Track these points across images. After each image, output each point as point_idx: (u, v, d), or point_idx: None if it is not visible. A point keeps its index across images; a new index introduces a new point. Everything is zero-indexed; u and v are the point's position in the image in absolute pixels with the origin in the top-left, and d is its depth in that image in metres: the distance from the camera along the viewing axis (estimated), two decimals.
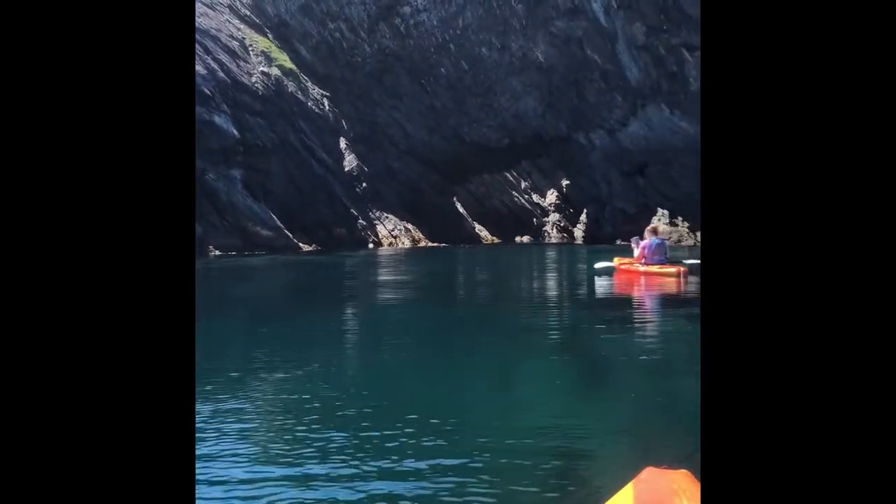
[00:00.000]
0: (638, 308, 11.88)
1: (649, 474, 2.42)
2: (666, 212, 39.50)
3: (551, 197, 51.08)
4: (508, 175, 57.44)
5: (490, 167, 52.62)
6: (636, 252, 16.27)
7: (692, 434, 3.78)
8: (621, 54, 41.29)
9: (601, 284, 15.01)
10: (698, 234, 37.09)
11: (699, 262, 21.08)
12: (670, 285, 13.90)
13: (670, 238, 36.99)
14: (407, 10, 45.77)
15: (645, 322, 9.76)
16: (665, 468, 2.52)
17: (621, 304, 12.10)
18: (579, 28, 42.24)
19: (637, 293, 13.69)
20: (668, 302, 11.80)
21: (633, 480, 2.38)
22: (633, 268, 16.17)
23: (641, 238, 16.39)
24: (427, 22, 46.54)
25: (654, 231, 16.45)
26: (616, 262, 17.12)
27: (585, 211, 46.08)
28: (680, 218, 38.83)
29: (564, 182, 48.06)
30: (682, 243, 36.20)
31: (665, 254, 16.07)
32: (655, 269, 15.46)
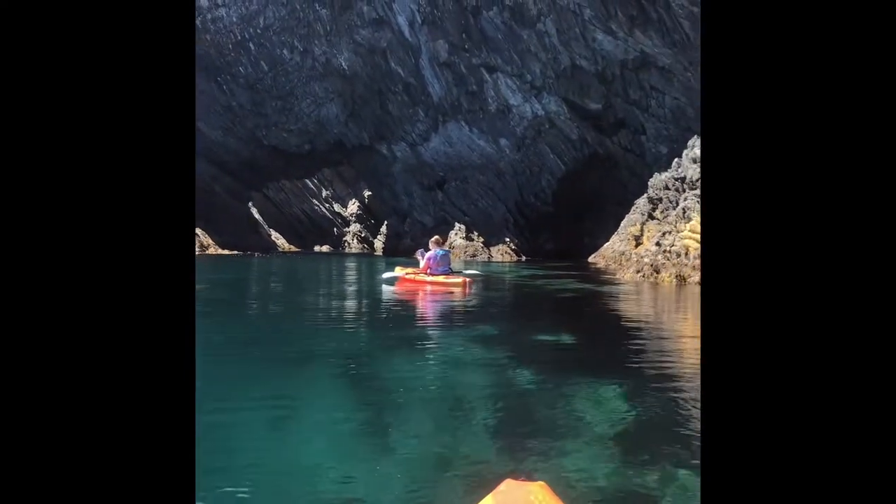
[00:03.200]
0: (447, 318, 11.58)
1: (508, 486, 2.51)
2: (463, 226, 40.49)
3: (353, 207, 50.48)
4: (309, 182, 56.06)
5: (290, 173, 50.94)
6: (422, 263, 16.85)
7: (549, 447, 4.00)
8: (424, 69, 41.88)
9: (388, 293, 15.18)
10: (493, 248, 38.40)
11: (481, 273, 22.03)
12: (457, 295, 14.57)
13: (466, 252, 37.88)
14: (205, 3, 43.05)
15: (454, 332, 9.41)
16: (523, 480, 2.61)
17: (420, 314, 11.75)
18: (384, 39, 42.25)
19: (423, 302, 13.65)
20: (467, 311, 11.64)
21: (493, 492, 2.48)
22: (418, 278, 16.76)
23: (427, 250, 17.00)
24: (226, 18, 44.13)
25: (438, 243, 17.10)
26: (401, 272, 17.74)
27: (386, 223, 46.02)
28: (476, 233, 39.98)
29: (366, 193, 47.71)
30: (477, 258, 37.23)
31: (449, 265, 16.79)
32: (441, 279, 16.11)
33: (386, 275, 17.97)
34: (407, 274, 17.39)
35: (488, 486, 2.70)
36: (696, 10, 30.30)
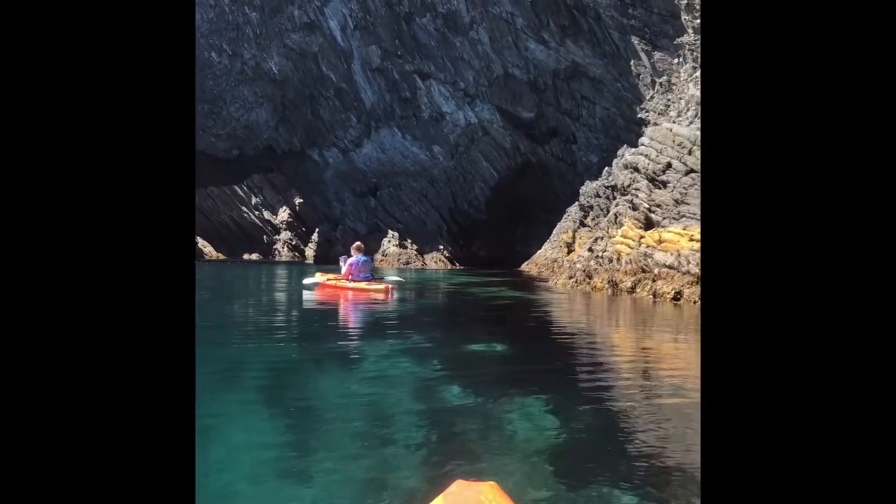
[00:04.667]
0: (375, 322, 11.18)
1: (458, 487, 2.55)
2: (396, 233, 40.09)
3: (283, 214, 49.43)
4: (238, 189, 54.60)
5: (218, 179, 49.49)
6: (343, 269, 16.88)
7: (499, 448, 4.05)
8: (357, 75, 41.40)
9: (311, 301, 14.90)
10: (426, 256, 38.13)
11: (403, 279, 21.86)
12: (379, 301, 14.55)
13: (399, 260, 37.50)
14: None
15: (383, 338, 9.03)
16: (474, 481, 2.65)
17: (348, 324, 11.34)
18: (315, 44, 41.60)
19: (349, 311, 13.31)
20: (399, 320, 11.29)
21: (443, 493, 2.51)
22: (339, 284, 16.79)
23: (349, 256, 17.05)
24: None
25: (360, 249, 17.13)
26: (321, 278, 17.74)
27: (318, 230, 45.20)
28: (409, 240, 39.64)
29: (297, 200, 46.77)
30: (411, 265, 36.89)
31: (370, 271, 16.89)
32: (363, 285, 16.22)
33: (307, 280, 17.98)
34: (328, 280, 17.37)
35: (438, 487, 2.74)
36: (626, 21, 30.91)
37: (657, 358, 8.07)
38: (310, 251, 43.80)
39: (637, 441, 4.36)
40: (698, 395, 5.88)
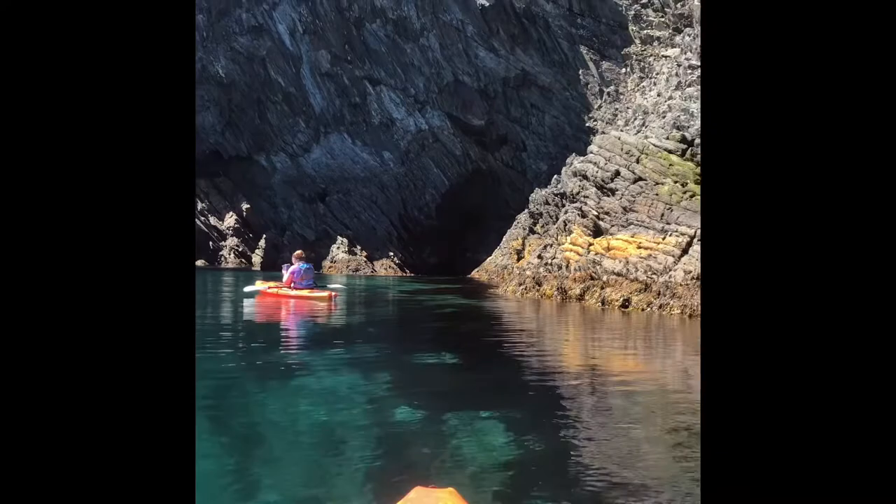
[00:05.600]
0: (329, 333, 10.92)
1: (417, 493, 2.59)
2: (345, 240, 39.68)
3: (230, 220, 48.46)
4: None
5: None
6: (285, 277, 16.71)
7: (454, 458, 4.05)
8: (306, 79, 40.91)
9: (252, 311, 14.61)
10: (376, 263, 37.83)
11: (346, 286, 21.63)
12: (322, 308, 14.34)
13: (349, 266, 37.11)
14: None
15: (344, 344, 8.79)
16: (432, 487, 2.68)
17: (293, 334, 11.05)
18: (263, 47, 40.98)
19: (293, 319, 13.03)
20: (347, 330, 11.06)
21: (402, 499, 2.55)
22: (281, 292, 16.61)
23: (291, 264, 16.90)
24: None
25: (301, 257, 17.03)
26: (262, 285, 17.48)
27: (265, 236, 44.44)
28: (359, 247, 39.27)
29: (244, 206, 45.89)
30: (360, 272, 36.54)
31: (312, 278, 16.79)
32: (305, 293, 16.05)
33: (247, 288, 17.78)
34: (269, 288, 17.12)
35: (397, 494, 2.79)
36: (575, 31, 31.29)
37: (605, 366, 8.05)
38: (257, 258, 43.00)
39: (587, 447, 4.34)
40: (645, 400, 5.87)
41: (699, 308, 12.76)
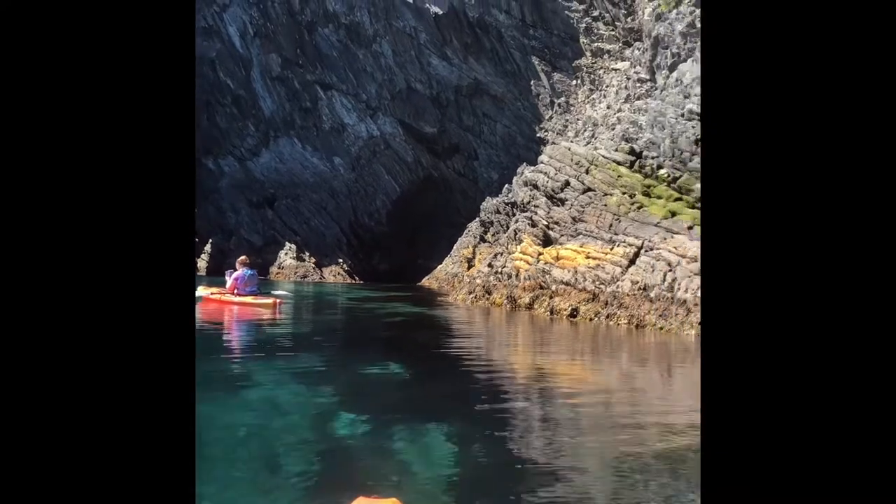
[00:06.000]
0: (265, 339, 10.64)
1: (360, 503, 2.59)
2: (294, 246, 39.10)
3: None
4: None
5: None
6: (228, 283, 16.41)
7: (397, 471, 3.98)
8: (256, 82, 40.29)
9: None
10: (325, 269, 37.36)
11: (290, 293, 21.32)
12: (266, 315, 14.11)
13: (297, 273, 36.56)
14: None
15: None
16: (375, 497, 2.68)
17: (238, 343, 10.75)
18: (213, 49, 40.20)
19: (237, 327, 12.71)
20: (294, 339, 10.80)
21: None
22: (224, 298, 16.27)
23: (235, 269, 16.63)
24: None
25: (245, 263, 16.77)
26: (205, 291, 17.09)
27: (211, 241, 43.48)
28: (307, 253, 38.74)
29: None
30: (309, 278, 36.03)
31: (256, 285, 16.56)
32: (249, 299, 15.77)
33: None
34: (212, 294, 16.71)
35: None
36: (527, 42, 31.56)
37: (553, 377, 8.02)
38: (202, 263, 42.03)
39: (532, 460, 4.29)
40: (590, 411, 5.85)
41: (646, 319, 12.90)
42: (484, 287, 19.63)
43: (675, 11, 25.72)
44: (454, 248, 31.95)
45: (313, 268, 37.71)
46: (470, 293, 19.77)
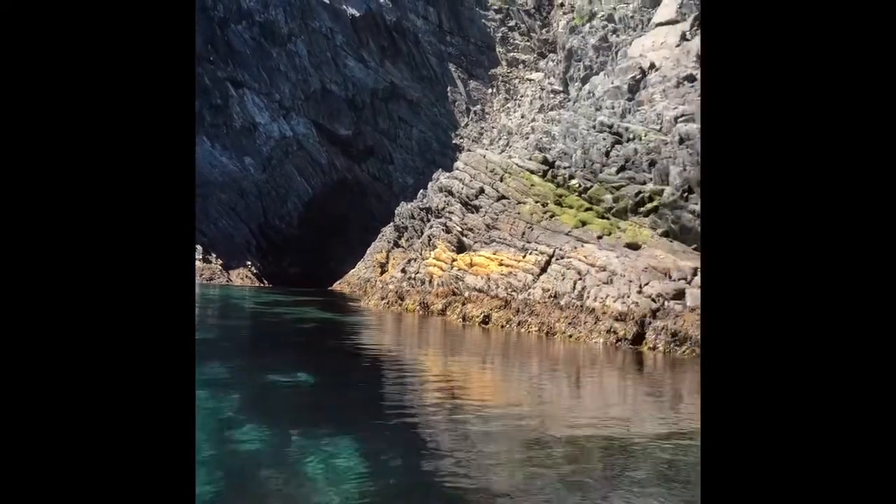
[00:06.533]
0: None
1: None
2: (200, 247, 37.75)
3: None
4: None
5: None
6: None
7: (303, 479, 3.88)
8: None
9: None
10: (232, 272, 36.25)
11: (196, 296, 20.49)
12: None
13: (202, 275, 35.32)
14: None
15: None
16: None
17: None
18: None
19: None
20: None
21: None
22: None
23: None
24: None
25: None
26: None
27: None
28: (214, 255, 37.48)
29: None
30: (215, 281, 34.85)
31: None
32: None
33: None
34: None
35: None
36: (444, 48, 31.68)
37: (463, 384, 7.95)
38: None
39: (440, 470, 4.21)
40: (500, 420, 5.80)
41: (556, 326, 13.07)
42: (397, 292, 19.46)
43: (588, 25, 26.42)
44: (367, 252, 31.63)
45: (220, 270, 36.50)
46: (382, 299, 19.56)
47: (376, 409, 6.25)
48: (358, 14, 32.76)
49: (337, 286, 32.17)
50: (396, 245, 28.36)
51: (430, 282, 18.95)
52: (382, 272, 27.24)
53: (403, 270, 21.92)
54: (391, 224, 29.94)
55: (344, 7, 33.13)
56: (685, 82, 17.69)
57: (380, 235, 31.09)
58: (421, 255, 21.22)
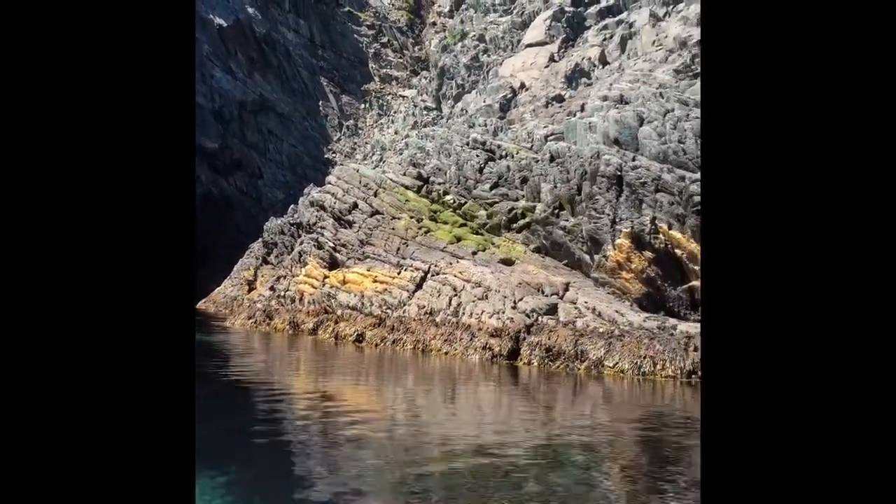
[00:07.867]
0: None
1: None
2: None
3: None
4: None
5: None
6: None
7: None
8: None
9: None
10: None
11: None
12: None
13: None
14: None
15: None
16: None
17: None
18: None
19: None
20: None
21: None
22: None
23: None
24: None
25: None
26: None
27: None
28: None
29: None
30: None
31: None
32: None
33: None
34: None
35: None
36: (316, 62, 31.12)
37: (337, 407, 7.58)
38: None
39: (318, 486, 4.06)
40: (380, 435, 5.51)
41: (431, 344, 12.90)
42: (265, 311, 18.64)
43: (460, 44, 26.81)
44: (234, 269, 30.29)
45: None
46: (250, 318, 18.67)
47: (244, 435, 5.78)
48: (226, 24, 31.58)
49: (201, 305, 30.56)
50: (265, 262, 27.32)
51: (301, 300, 18.30)
52: (250, 290, 26.14)
53: (272, 288, 21.09)
54: (259, 240, 28.85)
55: (211, 16, 31.84)
56: (554, 102, 18.21)
57: (247, 251, 29.87)
58: (291, 271, 20.50)
